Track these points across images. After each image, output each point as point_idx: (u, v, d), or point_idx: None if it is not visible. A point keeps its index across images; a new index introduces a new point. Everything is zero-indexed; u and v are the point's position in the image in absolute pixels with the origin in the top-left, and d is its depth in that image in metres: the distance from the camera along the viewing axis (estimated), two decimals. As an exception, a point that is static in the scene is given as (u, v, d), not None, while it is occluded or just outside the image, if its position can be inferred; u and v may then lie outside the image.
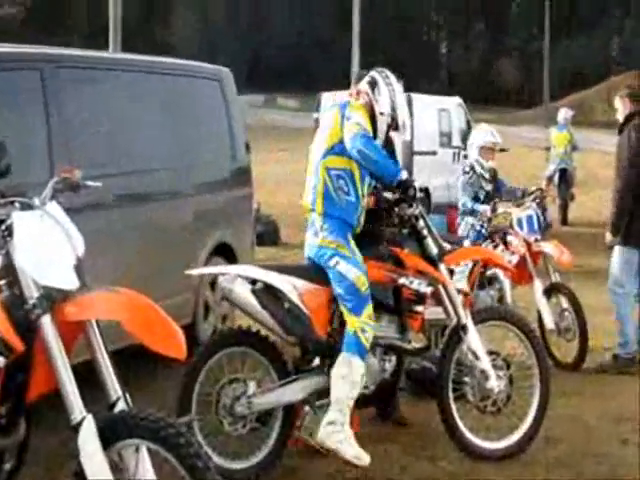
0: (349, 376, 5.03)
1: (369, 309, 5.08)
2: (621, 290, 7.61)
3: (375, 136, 5.29)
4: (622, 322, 7.65)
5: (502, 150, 12.72)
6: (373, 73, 5.51)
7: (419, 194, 5.30)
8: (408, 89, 15.56)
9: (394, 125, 5.38)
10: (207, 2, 55.41)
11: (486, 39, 65.65)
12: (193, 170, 7.31)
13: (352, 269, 5.06)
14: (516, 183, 8.51)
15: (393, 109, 5.34)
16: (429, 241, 5.42)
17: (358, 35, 26.10)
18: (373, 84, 5.40)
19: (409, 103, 14.35)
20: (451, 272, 6.16)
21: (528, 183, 10.86)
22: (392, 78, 5.44)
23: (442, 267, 5.42)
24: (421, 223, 5.41)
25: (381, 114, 5.33)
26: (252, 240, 8.33)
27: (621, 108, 7.65)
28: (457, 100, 17.90)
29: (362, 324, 5.04)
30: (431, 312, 5.44)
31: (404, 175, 5.19)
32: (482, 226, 8.21)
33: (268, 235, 13.43)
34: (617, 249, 7.64)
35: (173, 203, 6.97)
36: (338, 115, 5.24)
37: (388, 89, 5.37)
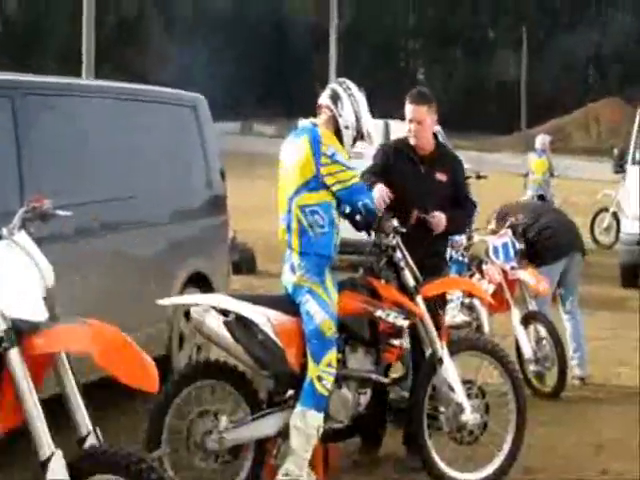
0: (304, 429, 5.01)
1: (331, 355, 5.04)
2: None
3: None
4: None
5: (480, 177, 12.80)
6: (333, 85, 5.43)
7: (394, 227, 5.30)
8: (385, 115, 15.59)
9: (359, 136, 5.33)
10: (182, 29, 55.54)
11: (463, 65, 66.13)
12: (167, 198, 7.29)
13: (319, 312, 5.03)
14: (491, 210, 8.55)
15: (357, 120, 5.28)
16: (406, 273, 5.41)
17: (335, 61, 26.25)
18: (335, 97, 5.31)
19: (386, 130, 14.40)
20: (444, 303, 6.16)
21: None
22: (353, 88, 5.36)
23: (419, 299, 5.42)
24: (398, 254, 5.39)
25: (346, 128, 5.26)
26: (228, 269, 8.30)
27: None
28: (435, 127, 17.97)
29: (320, 372, 5.01)
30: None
31: (379, 213, 5.26)
32: (463, 255, 8.23)
33: (244, 263, 13.41)
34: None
35: (146, 231, 6.94)
36: (309, 147, 5.12)
37: (350, 100, 5.29)
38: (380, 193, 5.57)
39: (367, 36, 63.89)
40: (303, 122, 5.39)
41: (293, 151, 5.25)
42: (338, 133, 5.26)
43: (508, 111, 56.77)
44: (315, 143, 5.12)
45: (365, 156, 13.59)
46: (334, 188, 5.10)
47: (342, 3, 33.73)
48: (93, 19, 17.27)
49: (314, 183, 5.11)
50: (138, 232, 6.83)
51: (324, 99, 5.36)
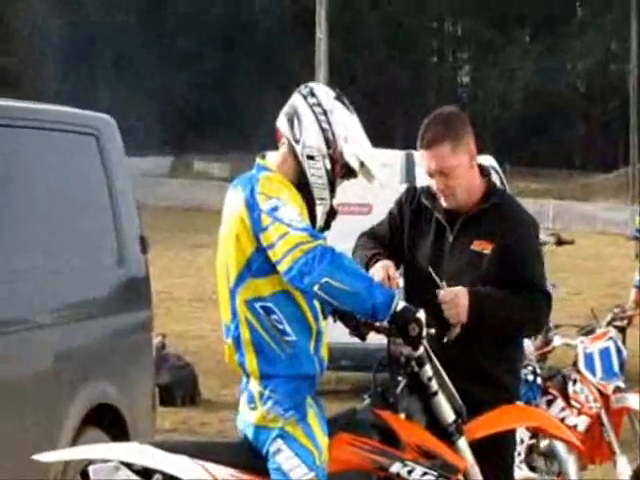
0: None
1: None
2: None
3: (312, 202, 5.21)
4: None
5: (562, 243, 12.85)
6: (294, 96, 5.34)
7: (426, 331, 5.18)
8: (406, 143, 15.64)
9: (341, 168, 5.23)
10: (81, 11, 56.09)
11: (535, 59, 66.34)
12: (51, 284, 7.33)
13: (300, 466, 5.08)
14: (584, 296, 8.61)
15: (327, 142, 5.20)
16: (440, 400, 5.42)
17: (325, 61, 26.45)
18: (291, 114, 5.28)
19: (409, 165, 14.49)
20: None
21: (606, 294, 10.93)
22: (323, 95, 5.28)
23: (461, 443, 5.43)
24: (427, 371, 5.40)
25: (309, 158, 5.20)
26: (152, 398, 8.33)
27: None
28: (487, 160, 18.13)
29: None
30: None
31: (400, 305, 5.09)
32: (535, 373, 8.22)
33: (180, 388, 13.48)
34: None
35: (18, 339, 6.97)
36: (244, 205, 5.11)
37: (314, 113, 5.22)
38: (382, 274, 5.59)
39: (374, 15, 64.14)
40: (260, 161, 5.34)
41: (228, 213, 5.27)
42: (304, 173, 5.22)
43: (607, 135, 57.03)
44: (251, 197, 5.11)
45: (375, 210, 13.80)
46: (278, 267, 5.01)
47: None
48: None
49: (258, 262, 5.12)
50: (4, 340, 6.85)
51: (280, 121, 5.35)
